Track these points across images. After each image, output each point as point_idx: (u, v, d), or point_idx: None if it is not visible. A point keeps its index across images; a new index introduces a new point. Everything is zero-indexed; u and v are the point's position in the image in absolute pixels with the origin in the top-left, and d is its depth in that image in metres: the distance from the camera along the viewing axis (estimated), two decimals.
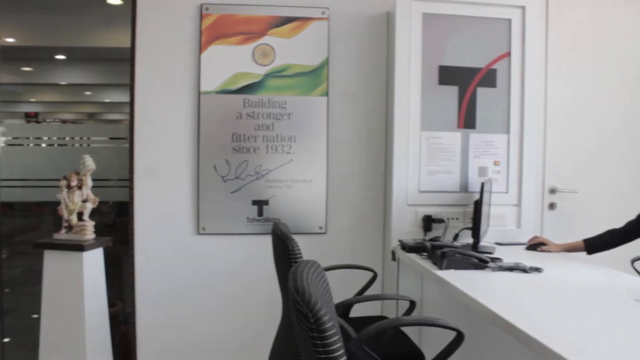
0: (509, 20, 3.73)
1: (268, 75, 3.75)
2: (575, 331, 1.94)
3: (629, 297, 2.33)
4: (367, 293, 3.14)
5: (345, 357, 1.47)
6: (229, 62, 3.72)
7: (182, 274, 3.74)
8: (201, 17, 3.69)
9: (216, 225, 3.74)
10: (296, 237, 3.60)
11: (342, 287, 3.10)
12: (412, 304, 2.65)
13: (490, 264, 2.80)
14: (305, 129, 3.77)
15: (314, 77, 3.78)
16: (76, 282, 3.24)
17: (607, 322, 2.07)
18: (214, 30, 3.70)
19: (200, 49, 3.70)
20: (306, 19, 3.77)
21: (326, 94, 3.79)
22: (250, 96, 3.74)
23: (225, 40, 3.71)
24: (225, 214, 3.73)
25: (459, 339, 2.06)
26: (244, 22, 3.73)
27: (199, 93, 3.70)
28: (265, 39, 3.75)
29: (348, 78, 3.84)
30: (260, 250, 3.67)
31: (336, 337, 1.44)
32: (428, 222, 3.58)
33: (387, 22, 3.84)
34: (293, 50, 3.77)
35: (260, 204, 3.76)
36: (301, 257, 2.56)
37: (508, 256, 3.06)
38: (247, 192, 3.75)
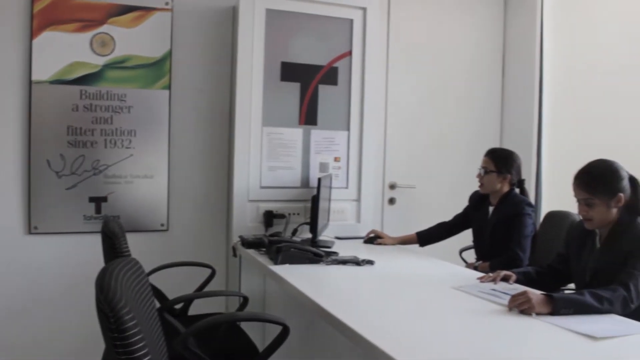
0: (351, 21, 3.83)
1: (107, 66, 3.58)
2: (393, 320, 2.03)
3: (447, 285, 2.48)
4: (208, 289, 3.09)
5: (149, 357, 1.42)
6: (64, 50, 3.49)
7: (10, 277, 3.46)
8: None
9: (50, 224, 3.50)
10: (137, 235, 3.54)
11: (184, 284, 3.04)
12: (245, 300, 2.64)
13: (325, 258, 2.86)
14: (146, 123, 3.64)
15: (155, 70, 3.66)
16: None
17: (424, 309, 2.20)
18: (47, 15, 3.46)
19: (32, 34, 3.44)
20: (149, 9, 3.64)
21: (168, 87, 3.68)
22: (88, 87, 3.54)
23: (61, 27, 3.49)
24: (59, 211, 3.51)
25: (284, 332, 2.08)
26: (81, 8, 3.52)
27: (31, 82, 3.44)
28: (104, 28, 3.57)
29: (192, 72, 3.76)
30: (98, 249, 3.48)
31: (137, 337, 1.38)
32: (269, 217, 3.60)
33: (233, 17, 3.81)
34: (134, 40, 3.62)
35: (98, 200, 3.58)
36: (129, 255, 2.47)
37: (346, 250, 3.15)
38: (83, 188, 3.55)
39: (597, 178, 2.40)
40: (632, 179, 2.42)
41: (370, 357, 1.71)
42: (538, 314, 2.02)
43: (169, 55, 3.68)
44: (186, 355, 2.01)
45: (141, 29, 3.64)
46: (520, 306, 2.06)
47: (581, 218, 2.50)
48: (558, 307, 2.03)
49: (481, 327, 1.98)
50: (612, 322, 1.98)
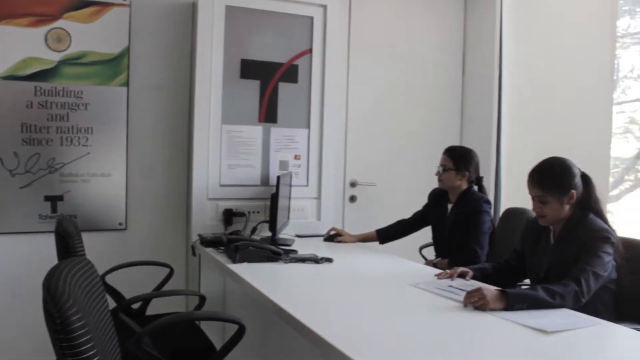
0: (311, 18, 3.83)
1: (63, 62, 3.50)
2: (350, 318, 2.03)
3: (404, 282, 2.50)
4: (166, 289, 3.05)
5: (97, 358, 1.39)
6: (17, 45, 3.40)
7: None
8: None
9: (3, 224, 3.41)
10: (94, 234, 3.49)
11: (144, 284, 2.99)
12: (202, 299, 2.62)
13: (283, 256, 2.85)
14: (103, 120, 3.58)
15: (113, 66, 3.59)
16: None
17: (381, 307, 2.21)
18: None
19: None
20: (106, 4, 3.57)
21: (126, 84, 3.62)
22: (43, 84, 3.46)
23: (13, 21, 3.40)
24: (13, 211, 3.43)
25: (240, 331, 2.06)
26: (35, 2, 3.43)
27: None
28: (60, 23, 3.49)
29: (150, 68, 3.70)
30: (54, 249, 3.40)
31: (85, 338, 1.36)
32: (229, 215, 3.58)
33: (192, 13, 3.76)
34: (91, 36, 3.54)
35: (54, 199, 3.50)
36: (83, 255, 2.42)
37: (306, 248, 3.14)
38: (39, 187, 3.47)
39: (549, 175, 2.45)
40: (584, 176, 2.48)
41: (326, 355, 1.71)
42: (492, 309, 2.05)
43: (127, 52, 3.62)
44: (139, 355, 1.98)
45: (98, 25, 3.57)
46: (475, 303, 2.08)
47: (536, 215, 2.55)
48: (512, 303, 2.06)
49: (436, 323, 2.00)
50: (563, 316, 2.02)
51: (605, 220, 2.44)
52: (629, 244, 2.50)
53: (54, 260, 3.34)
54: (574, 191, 2.42)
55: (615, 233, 2.40)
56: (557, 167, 2.47)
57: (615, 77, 3.96)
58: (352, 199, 4.34)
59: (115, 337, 1.84)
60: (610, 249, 2.33)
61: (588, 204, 2.45)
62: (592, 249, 2.30)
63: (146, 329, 1.99)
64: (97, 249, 3.24)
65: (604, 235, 2.34)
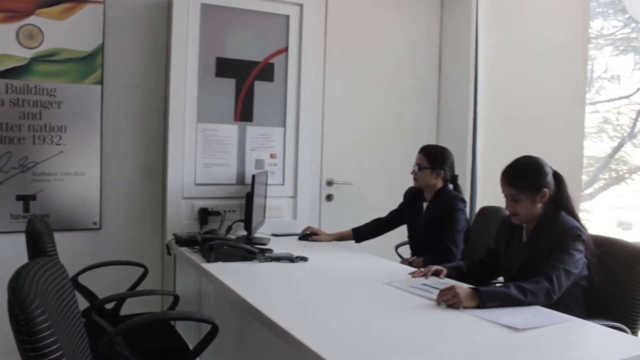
0: (287, 17, 3.82)
1: (35, 60, 3.45)
2: (323, 318, 2.03)
3: (379, 281, 2.50)
4: (141, 289, 3.03)
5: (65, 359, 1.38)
6: None
7: None
8: None
9: None
10: (68, 234, 3.45)
11: (119, 284, 2.98)
12: (176, 298, 2.60)
13: (258, 255, 2.84)
14: (77, 118, 3.53)
15: (87, 64, 3.55)
16: None
17: (355, 306, 2.21)
18: None
19: None
20: (80, 1, 3.53)
21: (100, 82, 3.58)
22: (14, 81, 3.41)
23: None
24: None
25: (213, 331, 2.05)
26: None
27: None
28: (32, 19, 3.43)
29: (125, 67, 3.66)
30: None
31: (50, 340, 1.33)
32: (204, 215, 3.55)
33: (168, 11, 3.73)
34: (64, 33, 3.49)
35: (26, 199, 3.45)
36: (54, 255, 2.39)
37: (282, 247, 3.14)
38: (10, 186, 3.41)
39: (522, 174, 2.47)
40: (555, 175, 2.50)
41: (300, 356, 1.71)
42: (465, 307, 2.06)
43: (101, 50, 3.58)
44: (111, 355, 1.96)
45: (72, 22, 3.52)
46: (448, 301, 2.09)
47: (509, 213, 2.57)
48: (484, 301, 2.07)
49: (409, 322, 2.01)
50: (534, 314, 2.04)
51: (576, 218, 2.47)
52: (599, 241, 2.54)
53: (25, 260, 3.29)
54: (546, 190, 2.45)
55: (586, 230, 2.43)
56: (529, 166, 2.49)
57: (589, 78, 4.02)
58: (329, 197, 4.34)
59: (86, 339, 1.81)
60: (581, 247, 2.36)
61: (560, 202, 2.48)
62: (563, 247, 2.32)
63: (118, 329, 1.97)
64: (71, 248, 3.21)
65: (575, 233, 2.36)
